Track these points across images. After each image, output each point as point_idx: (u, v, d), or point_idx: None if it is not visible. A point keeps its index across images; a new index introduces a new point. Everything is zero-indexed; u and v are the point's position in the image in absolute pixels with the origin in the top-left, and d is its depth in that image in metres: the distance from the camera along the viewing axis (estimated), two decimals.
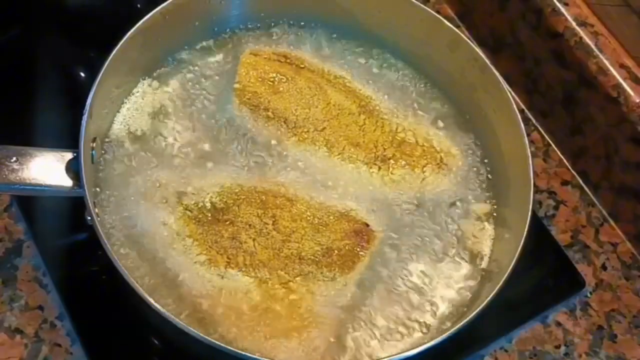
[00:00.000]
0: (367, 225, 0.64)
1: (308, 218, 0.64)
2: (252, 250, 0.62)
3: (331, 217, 0.64)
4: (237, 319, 0.60)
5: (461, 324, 0.58)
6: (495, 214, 0.70)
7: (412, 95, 0.74)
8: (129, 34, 0.65)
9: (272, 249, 0.62)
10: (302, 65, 0.72)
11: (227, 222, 0.63)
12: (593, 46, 0.77)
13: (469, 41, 0.71)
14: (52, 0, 0.81)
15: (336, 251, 0.63)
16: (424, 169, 0.69)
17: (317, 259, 0.62)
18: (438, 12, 0.73)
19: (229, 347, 0.55)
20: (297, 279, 0.61)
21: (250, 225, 0.63)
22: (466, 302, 0.66)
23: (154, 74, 0.71)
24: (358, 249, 0.63)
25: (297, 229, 0.63)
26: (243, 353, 0.55)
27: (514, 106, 0.68)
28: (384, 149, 0.69)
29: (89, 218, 0.58)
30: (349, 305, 0.63)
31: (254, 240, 0.62)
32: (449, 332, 0.58)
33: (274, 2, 0.74)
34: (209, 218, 0.63)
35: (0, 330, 0.66)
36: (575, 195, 0.82)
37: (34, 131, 0.70)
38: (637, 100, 0.74)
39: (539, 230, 0.76)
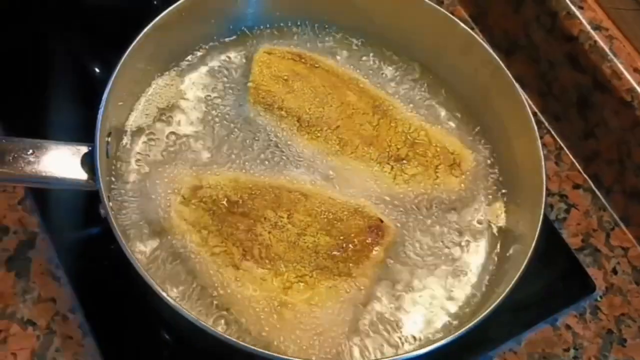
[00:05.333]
0: (382, 221, 0.65)
1: (323, 213, 0.64)
2: (268, 243, 0.62)
3: (345, 213, 0.64)
4: (252, 311, 0.60)
5: (470, 325, 0.58)
6: (506, 216, 0.70)
7: (426, 96, 0.75)
8: (145, 30, 0.65)
9: (288, 242, 0.62)
10: (317, 65, 0.72)
11: (242, 215, 0.63)
12: (607, 50, 0.77)
13: (483, 43, 0.71)
14: None
15: (351, 246, 0.63)
16: (437, 169, 0.69)
17: (332, 254, 0.62)
18: (452, 14, 0.73)
19: (241, 342, 0.55)
20: (313, 272, 0.62)
21: (265, 218, 0.63)
22: (476, 303, 0.66)
23: (170, 71, 0.72)
24: (373, 245, 0.64)
25: (312, 223, 0.63)
26: (253, 348, 0.55)
27: (528, 109, 0.68)
28: (397, 149, 0.69)
29: (103, 212, 0.58)
30: (363, 300, 0.63)
31: (269, 233, 0.62)
32: (459, 332, 0.58)
33: (290, 2, 0.75)
34: (224, 211, 0.63)
35: (13, 321, 0.67)
36: (587, 198, 0.82)
37: (51, 125, 0.70)
38: None
39: (550, 234, 0.76)
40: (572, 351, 0.73)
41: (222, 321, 0.61)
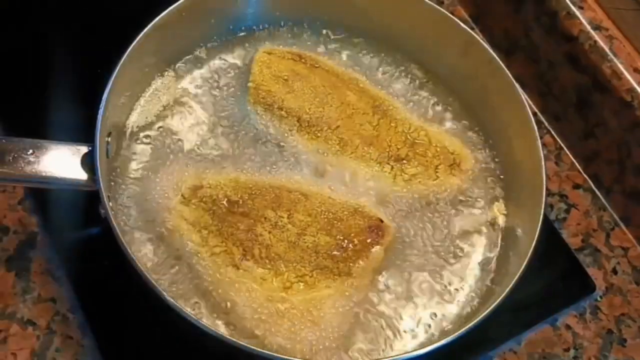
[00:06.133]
0: (382, 221, 0.65)
1: (323, 213, 0.64)
2: (268, 243, 0.62)
3: (345, 212, 0.64)
4: (252, 311, 0.60)
5: (470, 324, 0.58)
6: (506, 216, 0.70)
7: (426, 96, 0.75)
8: (145, 30, 0.65)
9: (288, 241, 0.62)
10: (317, 65, 0.72)
11: (243, 215, 0.63)
12: (607, 50, 0.77)
13: (483, 43, 0.71)
14: None
15: (351, 246, 0.63)
16: (437, 169, 0.69)
17: (332, 254, 0.62)
18: (452, 13, 0.73)
19: (241, 342, 0.55)
20: (313, 272, 0.62)
21: (265, 218, 0.63)
22: (476, 303, 0.66)
23: (170, 71, 0.72)
24: (373, 245, 0.64)
25: (312, 223, 0.63)
26: (253, 348, 0.55)
27: (528, 109, 0.68)
28: (398, 149, 0.69)
29: (103, 212, 0.58)
30: (362, 299, 0.63)
31: (269, 232, 0.62)
32: (459, 332, 0.58)
33: (290, 2, 0.75)
34: (224, 211, 0.63)
35: (12, 321, 0.67)
36: (587, 198, 0.82)
37: (51, 125, 0.70)
38: None
39: (550, 234, 0.76)
40: (572, 351, 0.73)
41: (222, 321, 0.61)
